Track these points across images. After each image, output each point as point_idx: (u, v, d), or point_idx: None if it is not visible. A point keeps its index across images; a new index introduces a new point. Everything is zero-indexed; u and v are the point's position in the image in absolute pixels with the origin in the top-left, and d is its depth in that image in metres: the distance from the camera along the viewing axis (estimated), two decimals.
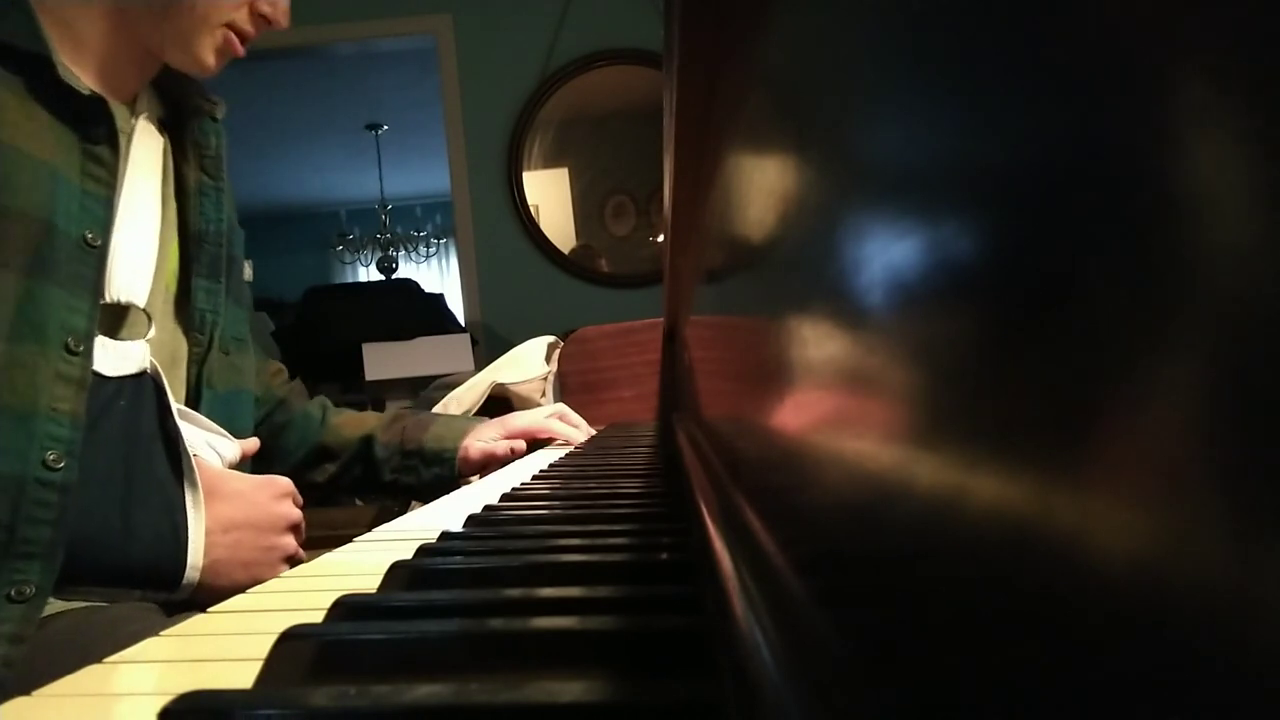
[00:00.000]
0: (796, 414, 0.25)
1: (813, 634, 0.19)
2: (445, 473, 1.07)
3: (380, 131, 5.23)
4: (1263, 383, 0.06)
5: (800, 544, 0.23)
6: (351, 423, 1.08)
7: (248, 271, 0.98)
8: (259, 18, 0.81)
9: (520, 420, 1.18)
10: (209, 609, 0.39)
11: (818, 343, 0.22)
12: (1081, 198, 0.09)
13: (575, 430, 1.23)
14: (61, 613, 0.65)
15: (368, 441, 1.06)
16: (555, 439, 1.21)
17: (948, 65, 0.13)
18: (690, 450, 0.63)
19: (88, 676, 0.30)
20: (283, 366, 1.10)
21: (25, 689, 0.28)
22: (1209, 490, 0.07)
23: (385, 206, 5.78)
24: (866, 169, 0.17)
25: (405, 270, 6.15)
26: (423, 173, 5.82)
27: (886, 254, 0.16)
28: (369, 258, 6.14)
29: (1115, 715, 0.08)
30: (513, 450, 1.11)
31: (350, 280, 6.24)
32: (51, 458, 0.64)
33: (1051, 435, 0.10)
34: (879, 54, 0.17)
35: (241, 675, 0.29)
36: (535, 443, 1.19)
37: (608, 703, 0.24)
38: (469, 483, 1.04)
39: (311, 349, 3.32)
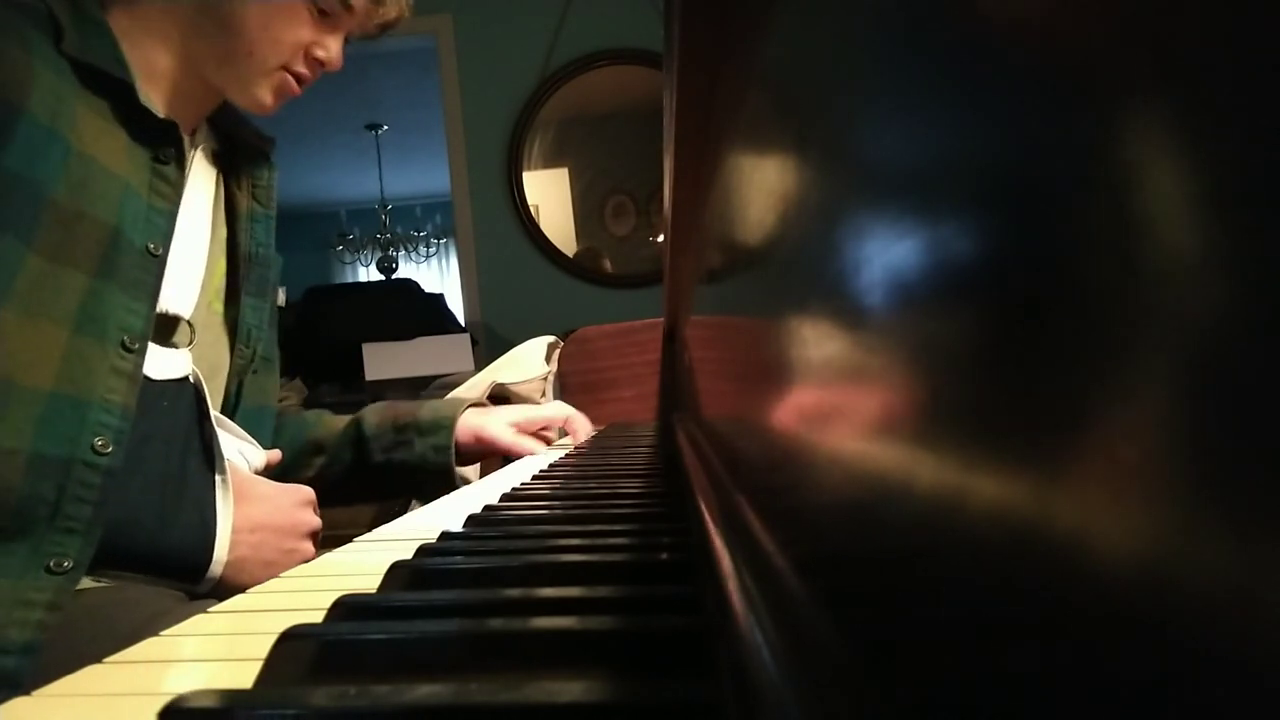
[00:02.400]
0: (796, 414, 0.25)
1: (813, 634, 0.19)
2: (442, 441, 1.06)
3: (380, 131, 5.23)
4: (1262, 382, 0.06)
5: (800, 544, 0.23)
6: (341, 418, 1.10)
7: (281, 297, 1.04)
8: (314, 61, 0.87)
9: (535, 413, 1.18)
10: (209, 609, 0.39)
11: (817, 343, 0.22)
12: (1081, 198, 0.09)
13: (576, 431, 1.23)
14: (90, 588, 0.69)
15: (357, 423, 1.08)
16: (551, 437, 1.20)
17: (947, 65, 0.13)
18: (690, 450, 0.63)
19: (88, 676, 0.30)
20: (289, 395, 1.14)
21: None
22: (1209, 490, 0.07)
23: (385, 206, 5.77)
24: (866, 169, 0.17)
25: (405, 270, 6.14)
26: (423, 173, 5.82)
27: (886, 254, 0.16)
28: (369, 258, 6.14)
29: (1116, 715, 0.08)
30: (516, 447, 1.10)
31: (350, 280, 6.23)
32: (99, 443, 0.69)
33: (1051, 435, 0.10)
34: (879, 54, 0.17)
35: (241, 675, 0.29)
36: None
37: (608, 703, 0.24)
38: (466, 480, 1.04)
39: (311, 349, 3.32)
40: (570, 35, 3.36)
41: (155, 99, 0.80)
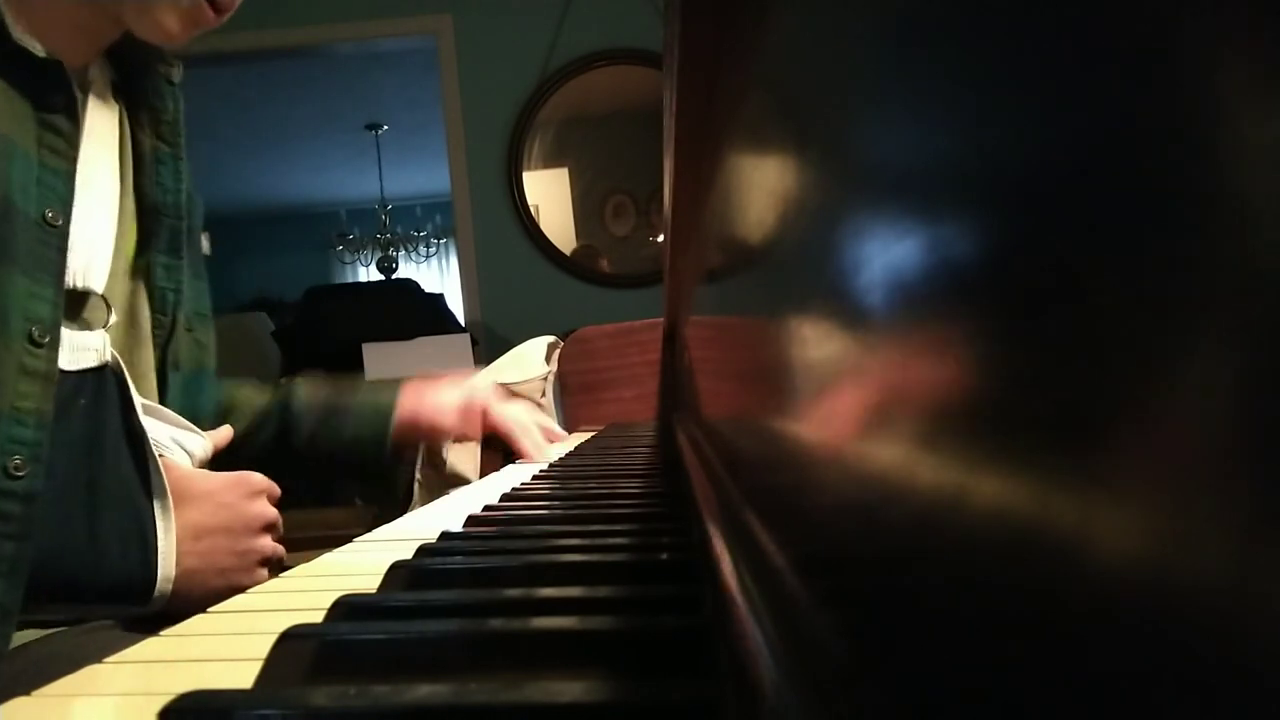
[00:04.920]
0: (796, 414, 0.25)
1: (813, 634, 0.19)
2: (377, 430, 0.94)
3: (380, 131, 5.23)
4: (1262, 382, 0.06)
5: (800, 544, 0.23)
6: (266, 387, 0.98)
7: (205, 245, 0.89)
8: None
9: (495, 408, 1.05)
10: (209, 609, 0.39)
11: (817, 343, 0.22)
12: (1081, 197, 0.09)
13: (536, 449, 1.07)
14: (21, 647, 0.60)
15: (286, 394, 0.95)
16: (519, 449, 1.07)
17: (947, 65, 0.13)
18: (690, 450, 0.63)
19: (88, 676, 0.30)
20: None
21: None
22: (1210, 489, 0.07)
23: (385, 206, 5.77)
24: (866, 169, 0.17)
25: (405, 270, 6.15)
26: (423, 173, 5.82)
27: (886, 254, 0.16)
28: (369, 258, 6.14)
29: (1116, 715, 0.08)
30: (466, 434, 1.00)
31: (350, 280, 6.23)
32: (14, 464, 0.58)
33: (1051, 435, 0.10)
34: (879, 54, 0.17)
35: (241, 675, 0.29)
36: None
37: (608, 703, 0.24)
38: (466, 480, 1.01)
39: (311, 349, 3.31)
40: (570, 35, 3.36)
41: (32, 34, 0.66)
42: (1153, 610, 0.08)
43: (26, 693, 0.28)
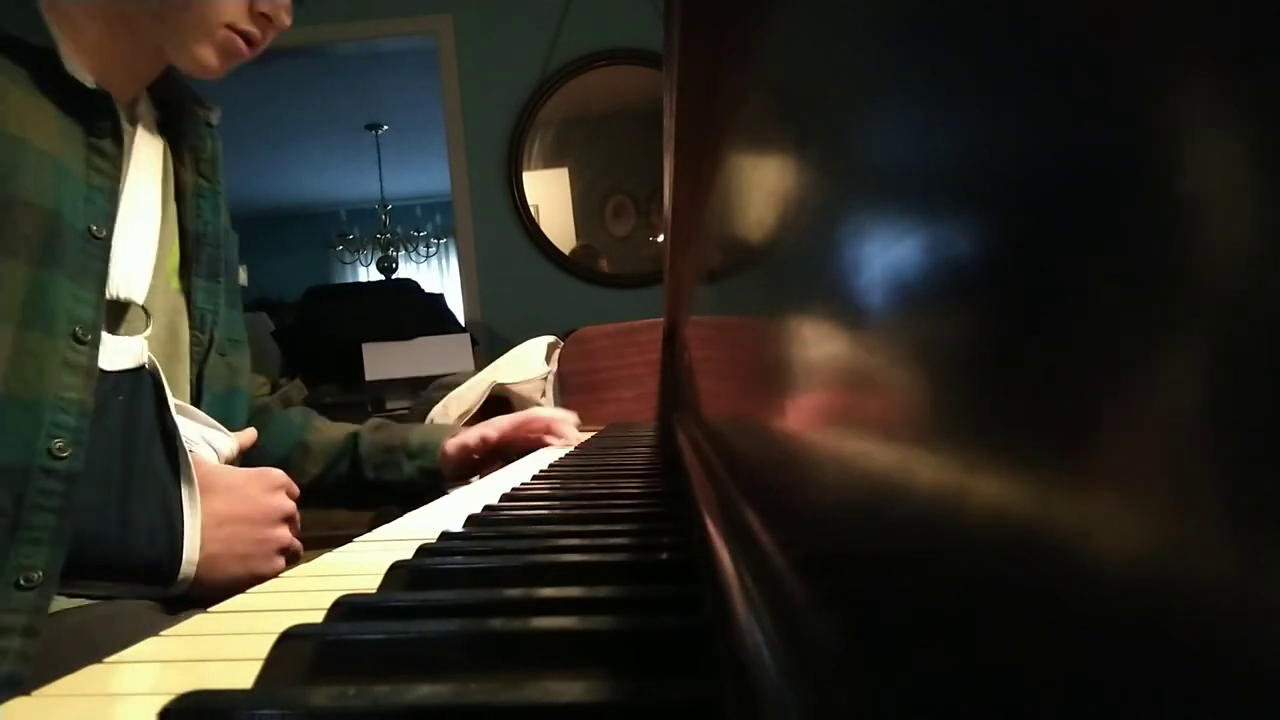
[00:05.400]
0: (796, 414, 0.25)
1: (813, 634, 0.19)
2: (427, 464, 1.06)
3: (380, 131, 5.23)
4: (1262, 382, 0.06)
5: (800, 544, 0.23)
6: (334, 426, 1.09)
7: (243, 276, 0.99)
8: (260, 16, 0.80)
9: (506, 418, 1.18)
10: (209, 609, 0.39)
11: (817, 343, 0.22)
12: (1080, 197, 0.09)
13: (561, 433, 1.21)
14: (65, 610, 0.66)
15: (354, 438, 1.07)
16: (539, 436, 1.19)
17: (947, 65, 0.13)
18: (690, 450, 0.63)
19: (88, 676, 0.30)
20: (266, 380, 1.11)
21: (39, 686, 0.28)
22: (1210, 489, 0.07)
23: (385, 206, 5.77)
24: (866, 169, 0.17)
25: (405, 270, 6.15)
26: (423, 173, 5.82)
27: (886, 254, 0.16)
28: (369, 258, 6.14)
29: (1117, 715, 0.08)
30: (483, 439, 1.10)
31: (350, 280, 6.23)
32: (58, 446, 0.65)
33: (1051, 435, 0.10)
34: (879, 54, 0.17)
35: (241, 675, 0.29)
36: (528, 447, 1.18)
37: (608, 703, 0.24)
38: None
39: (311, 349, 3.32)
40: (570, 35, 3.36)
41: (84, 68, 0.74)
42: (1153, 610, 0.08)
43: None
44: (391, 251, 5.98)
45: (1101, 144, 0.08)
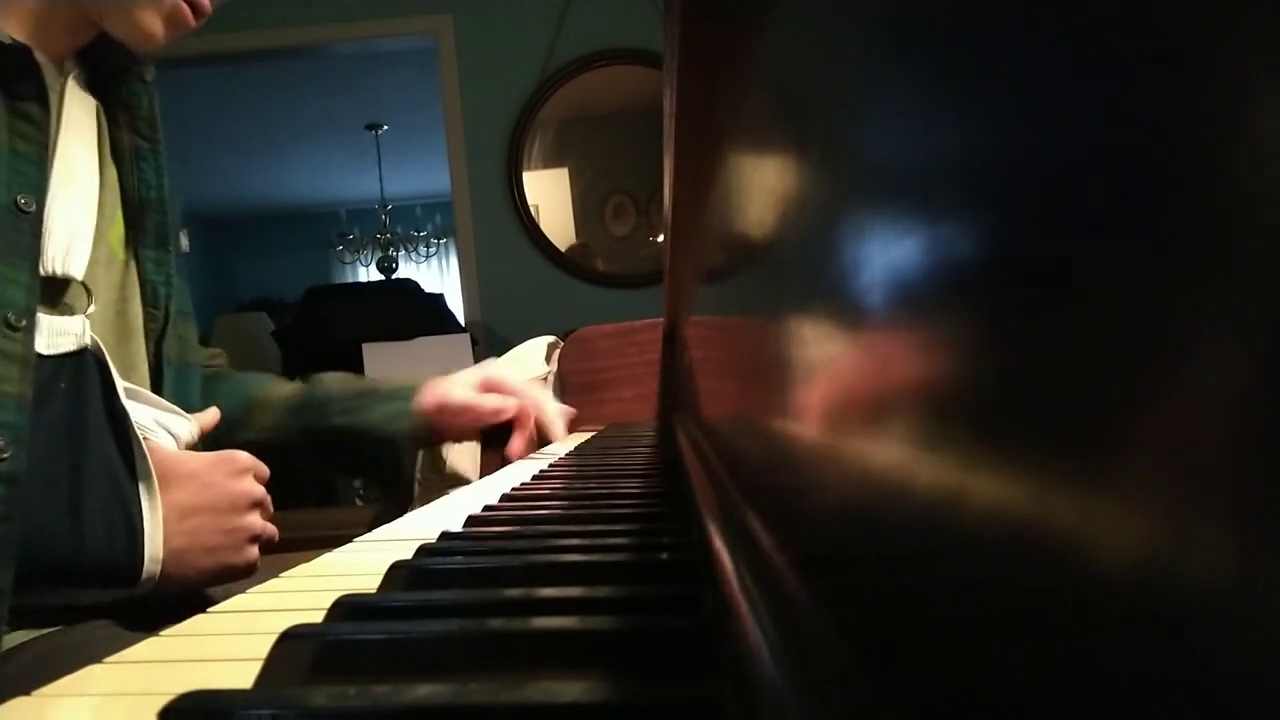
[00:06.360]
0: (796, 414, 0.25)
1: (813, 634, 0.19)
2: (404, 406, 0.98)
3: (380, 131, 5.23)
4: (1262, 382, 0.06)
5: (800, 544, 0.23)
6: (291, 382, 1.01)
7: (183, 241, 0.91)
8: None
9: (504, 377, 1.08)
10: (209, 609, 0.39)
11: (817, 343, 0.22)
12: (1080, 197, 0.09)
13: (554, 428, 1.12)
14: (18, 647, 0.60)
15: (313, 385, 0.98)
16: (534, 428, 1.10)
17: (948, 65, 0.13)
18: (690, 450, 0.63)
19: (88, 676, 0.30)
20: (221, 351, 1.05)
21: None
22: (1211, 489, 0.07)
23: (385, 206, 5.77)
24: (866, 169, 0.17)
25: (405, 270, 6.15)
26: (423, 173, 5.82)
27: (886, 254, 0.16)
28: (369, 258, 6.14)
29: (1117, 716, 0.08)
30: (497, 410, 1.02)
31: (350, 280, 6.24)
32: None
33: (1051, 435, 0.10)
34: (879, 54, 0.17)
35: (241, 675, 0.29)
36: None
37: (608, 703, 0.24)
38: (466, 480, 1.02)
39: (311, 349, 3.31)
40: (570, 35, 3.36)
41: (6, 25, 0.67)
42: (1153, 610, 0.08)
43: (26, 692, 0.28)
44: (391, 251, 5.98)
45: (1101, 143, 0.08)
